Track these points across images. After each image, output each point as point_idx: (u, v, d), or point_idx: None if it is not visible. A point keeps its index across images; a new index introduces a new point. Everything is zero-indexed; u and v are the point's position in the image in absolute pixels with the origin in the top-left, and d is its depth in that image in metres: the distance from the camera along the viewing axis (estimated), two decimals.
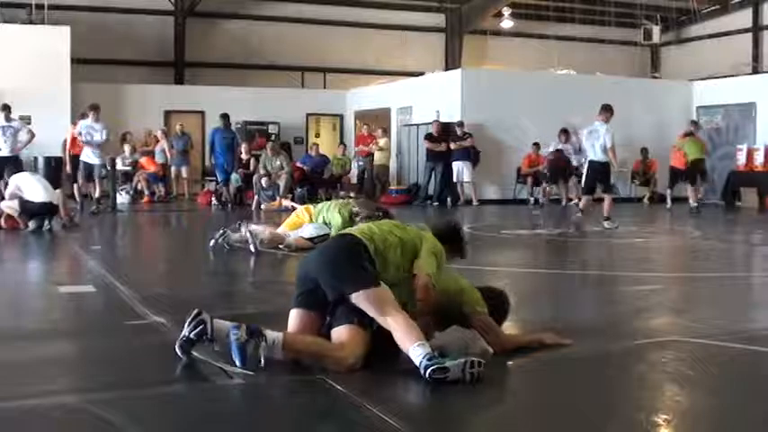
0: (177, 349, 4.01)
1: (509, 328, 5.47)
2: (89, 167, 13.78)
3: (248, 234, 8.59)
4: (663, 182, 18.35)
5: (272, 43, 22.98)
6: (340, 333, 4.01)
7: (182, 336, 4.00)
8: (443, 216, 14.61)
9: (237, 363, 3.79)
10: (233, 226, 9.08)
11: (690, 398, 3.78)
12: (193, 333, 3.95)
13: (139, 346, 4.59)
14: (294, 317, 4.19)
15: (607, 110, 11.75)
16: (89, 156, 13.75)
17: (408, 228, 4.54)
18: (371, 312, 3.97)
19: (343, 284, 4.03)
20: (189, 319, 3.99)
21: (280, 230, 9.16)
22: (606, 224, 11.61)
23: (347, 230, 4.57)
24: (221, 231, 8.91)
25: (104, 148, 14.01)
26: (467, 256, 4.80)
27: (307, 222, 9.07)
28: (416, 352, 3.77)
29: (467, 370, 3.73)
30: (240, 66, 22.65)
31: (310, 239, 8.59)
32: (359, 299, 3.98)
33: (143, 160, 18.02)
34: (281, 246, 8.74)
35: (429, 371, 3.69)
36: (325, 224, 8.86)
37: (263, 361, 3.79)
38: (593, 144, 11.69)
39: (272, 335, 3.84)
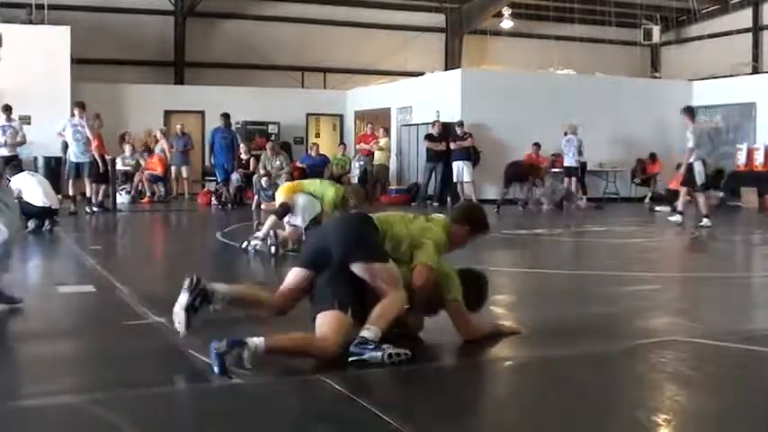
0: (180, 314, 4.32)
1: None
2: (78, 167, 13.65)
3: (269, 237, 8.57)
4: (663, 182, 18.37)
5: (272, 43, 22.97)
6: (323, 320, 4.16)
7: (186, 304, 4.31)
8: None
9: (216, 371, 3.83)
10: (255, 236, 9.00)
11: (690, 398, 3.78)
12: (196, 302, 4.29)
13: (139, 346, 4.59)
14: (291, 274, 4.58)
15: None
16: (77, 155, 13.55)
17: (414, 222, 4.73)
18: (378, 283, 4.23)
19: (359, 251, 4.32)
20: (189, 287, 4.32)
21: (278, 200, 8.94)
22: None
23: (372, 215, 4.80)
24: (258, 237, 8.82)
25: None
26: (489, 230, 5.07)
27: (299, 195, 8.84)
28: (365, 333, 4.10)
29: (385, 359, 4.03)
30: (240, 66, 22.64)
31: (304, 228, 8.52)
32: (367, 270, 4.25)
33: (152, 159, 18.01)
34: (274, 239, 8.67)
35: (351, 349, 4.05)
36: (315, 198, 8.73)
37: (249, 366, 3.82)
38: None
39: (253, 341, 3.87)
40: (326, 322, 4.12)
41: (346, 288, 4.24)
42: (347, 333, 4.11)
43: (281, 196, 8.91)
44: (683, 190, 12.62)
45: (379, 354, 4.03)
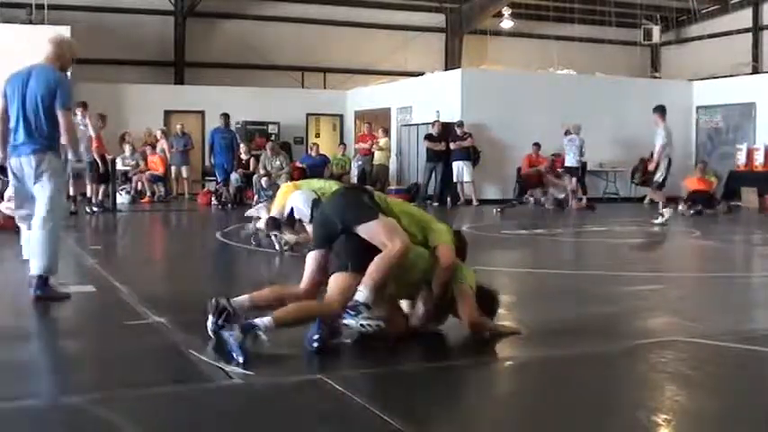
0: (211, 333, 4.33)
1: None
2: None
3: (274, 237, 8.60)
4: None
5: (272, 43, 22.97)
6: (332, 282, 4.41)
7: (211, 326, 4.32)
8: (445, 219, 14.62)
9: (240, 360, 3.94)
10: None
11: (690, 398, 3.78)
12: (221, 320, 4.30)
13: (139, 346, 4.59)
14: (310, 257, 4.68)
15: None
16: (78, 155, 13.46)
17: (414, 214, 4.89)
18: (379, 240, 4.35)
19: (354, 213, 4.49)
20: (212, 311, 4.34)
21: (274, 213, 9.00)
22: None
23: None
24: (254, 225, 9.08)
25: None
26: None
27: (294, 192, 8.90)
28: (357, 295, 4.28)
29: (358, 326, 4.27)
30: (240, 66, 22.64)
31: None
32: (366, 230, 4.42)
33: (154, 159, 18.00)
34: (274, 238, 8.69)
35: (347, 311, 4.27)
36: (315, 193, 8.72)
37: (268, 343, 4.07)
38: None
39: (262, 321, 4.10)
40: (335, 284, 4.36)
41: (355, 251, 4.41)
42: (353, 291, 4.29)
43: (276, 206, 8.92)
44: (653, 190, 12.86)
45: (354, 321, 4.27)
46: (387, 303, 4.57)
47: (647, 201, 18.36)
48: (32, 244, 5.78)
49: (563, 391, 3.86)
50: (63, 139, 5.78)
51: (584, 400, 3.72)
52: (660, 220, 12.50)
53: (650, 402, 3.69)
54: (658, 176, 12.79)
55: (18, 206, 6.10)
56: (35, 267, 5.70)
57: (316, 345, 4.18)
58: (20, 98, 5.68)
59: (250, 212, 9.95)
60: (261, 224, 8.90)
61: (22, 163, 5.70)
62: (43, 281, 5.70)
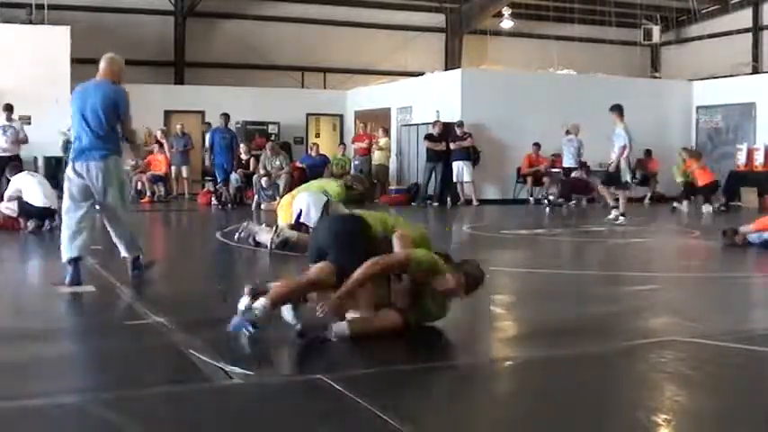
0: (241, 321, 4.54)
1: (510, 328, 5.48)
2: None
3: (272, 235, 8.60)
4: (664, 182, 18.39)
5: (272, 43, 22.97)
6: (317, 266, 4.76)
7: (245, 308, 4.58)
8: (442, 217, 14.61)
9: (251, 330, 4.42)
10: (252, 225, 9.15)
11: (690, 398, 3.78)
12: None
13: (139, 346, 4.59)
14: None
15: None
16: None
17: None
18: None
19: (340, 258, 4.74)
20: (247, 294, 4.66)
21: (286, 232, 9.00)
22: None
23: (364, 215, 5.28)
24: (245, 224, 9.15)
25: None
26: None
27: (300, 194, 8.90)
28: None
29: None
30: (240, 66, 22.64)
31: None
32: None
33: (159, 158, 17.99)
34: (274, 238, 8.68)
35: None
36: (323, 194, 8.72)
37: (267, 322, 4.45)
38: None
39: (258, 303, 4.47)
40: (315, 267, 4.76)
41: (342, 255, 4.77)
42: (327, 276, 4.60)
43: (282, 217, 8.91)
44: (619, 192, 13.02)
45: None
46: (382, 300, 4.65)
47: (647, 201, 18.39)
48: (118, 234, 6.63)
49: (563, 391, 3.85)
50: (125, 144, 6.89)
51: (584, 400, 3.72)
52: (614, 214, 12.62)
53: (650, 402, 3.69)
54: (622, 177, 13.00)
55: (67, 211, 6.64)
56: (126, 251, 6.61)
57: (234, 329, 4.47)
58: (81, 109, 6.41)
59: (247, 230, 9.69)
60: (261, 237, 8.86)
61: (90, 167, 6.36)
62: (136, 260, 6.60)
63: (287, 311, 4.62)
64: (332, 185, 8.78)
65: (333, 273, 4.64)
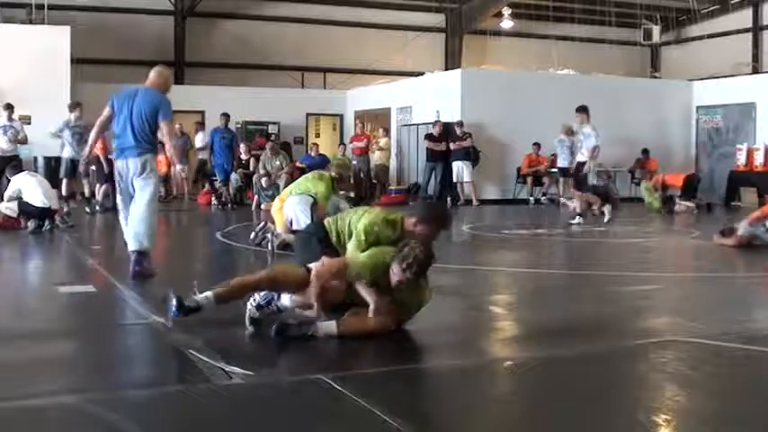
0: (250, 312, 4.75)
1: (510, 328, 5.48)
2: (75, 165, 13.37)
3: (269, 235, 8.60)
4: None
5: (272, 43, 22.97)
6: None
7: (252, 303, 4.73)
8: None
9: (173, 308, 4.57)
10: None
11: (690, 398, 3.78)
12: (263, 300, 4.72)
13: (139, 346, 4.59)
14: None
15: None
16: (75, 152, 13.26)
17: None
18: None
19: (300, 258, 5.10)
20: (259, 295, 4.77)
21: (283, 235, 9.01)
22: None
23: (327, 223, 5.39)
24: (262, 224, 9.12)
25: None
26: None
27: (288, 200, 8.88)
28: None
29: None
30: (240, 66, 22.64)
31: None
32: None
33: (160, 158, 17.94)
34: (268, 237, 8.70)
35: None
36: (309, 195, 8.74)
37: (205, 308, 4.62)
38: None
39: (201, 295, 4.63)
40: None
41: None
42: (293, 273, 4.71)
43: (280, 225, 8.89)
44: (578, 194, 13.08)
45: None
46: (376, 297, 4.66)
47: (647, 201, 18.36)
48: (134, 222, 6.75)
49: (563, 391, 3.86)
50: (167, 146, 7.53)
51: (584, 400, 3.72)
52: (577, 219, 12.52)
53: (650, 402, 3.69)
54: (590, 180, 13.06)
55: (123, 207, 6.97)
56: (133, 244, 6.71)
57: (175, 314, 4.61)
58: (128, 111, 6.92)
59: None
60: (279, 229, 8.87)
61: (128, 163, 6.80)
62: (142, 257, 6.70)
63: (286, 299, 4.64)
64: (317, 184, 8.73)
65: (295, 271, 4.75)
